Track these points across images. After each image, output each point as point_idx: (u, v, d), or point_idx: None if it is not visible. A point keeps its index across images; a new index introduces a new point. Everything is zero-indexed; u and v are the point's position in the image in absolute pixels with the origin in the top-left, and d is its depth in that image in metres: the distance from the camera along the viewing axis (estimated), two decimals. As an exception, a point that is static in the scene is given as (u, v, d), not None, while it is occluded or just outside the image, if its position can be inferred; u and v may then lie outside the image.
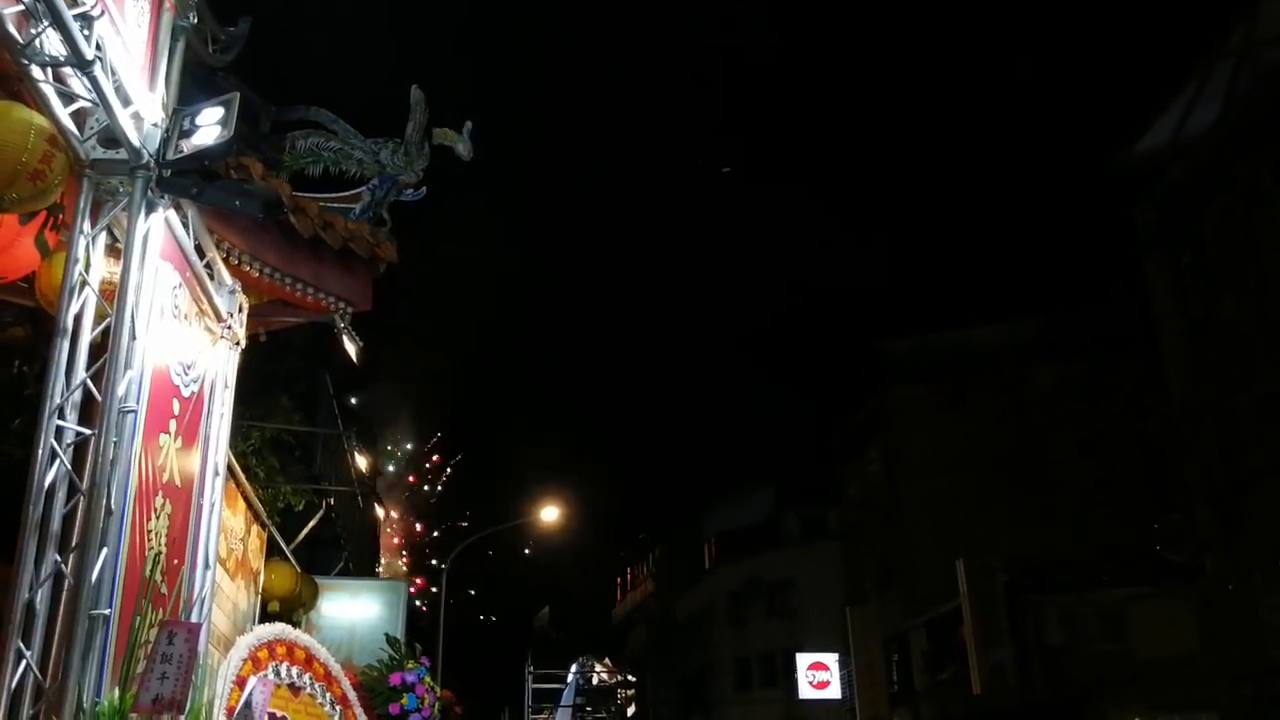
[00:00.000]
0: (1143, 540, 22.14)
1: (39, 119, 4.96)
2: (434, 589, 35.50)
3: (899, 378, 34.49)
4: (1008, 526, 28.38)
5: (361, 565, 25.95)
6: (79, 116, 5.32)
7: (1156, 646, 23.45)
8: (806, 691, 39.58)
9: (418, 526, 39.07)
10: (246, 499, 10.28)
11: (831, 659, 38.70)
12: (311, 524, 15.56)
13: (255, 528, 10.81)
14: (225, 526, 8.97)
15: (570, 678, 46.63)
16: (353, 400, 25.58)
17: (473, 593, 43.80)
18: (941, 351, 33.93)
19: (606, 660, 49.40)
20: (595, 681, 46.95)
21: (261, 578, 11.12)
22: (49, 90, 5.03)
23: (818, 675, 39.36)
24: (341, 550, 20.71)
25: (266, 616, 10.72)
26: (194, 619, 6.23)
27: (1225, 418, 20.46)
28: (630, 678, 49.94)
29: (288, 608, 11.93)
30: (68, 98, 5.18)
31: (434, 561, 37.61)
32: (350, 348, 8.05)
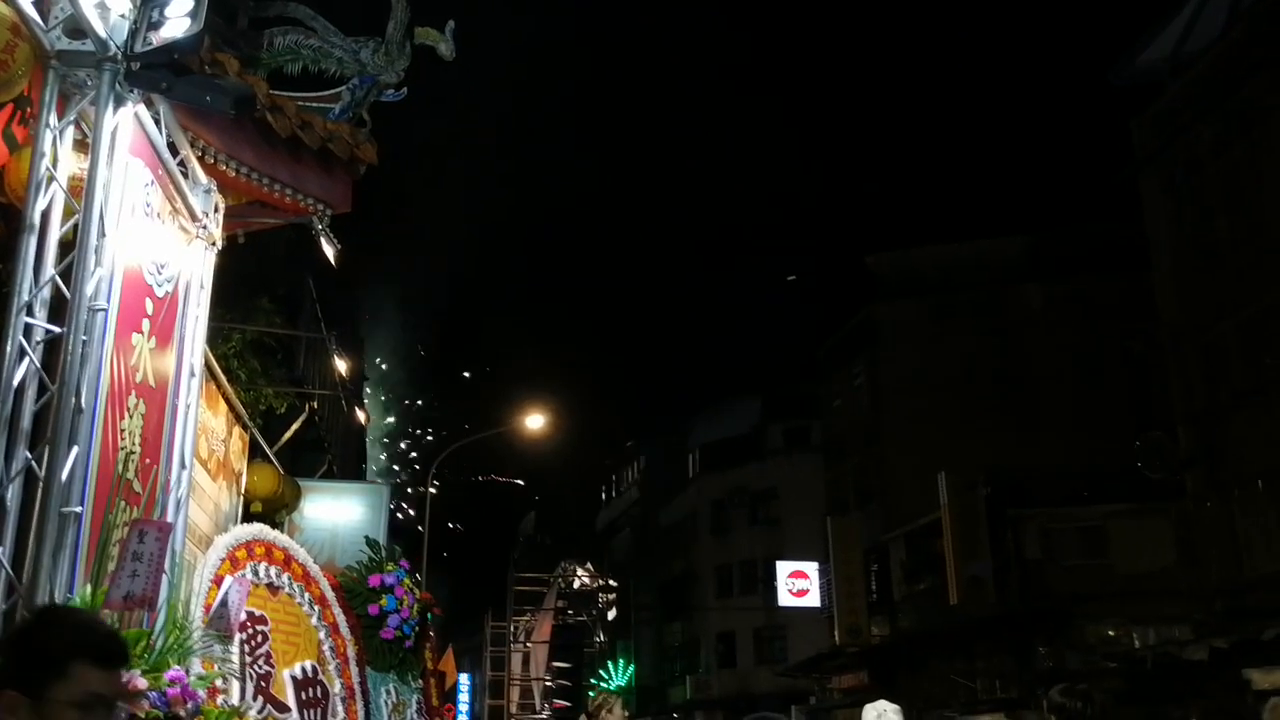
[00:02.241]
0: (1124, 458, 22.29)
1: (0, 6, 4.81)
2: (419, 488, 35.76)
3: (886, 292, 34.46)
4: (990, 442, 28.54)
5: (346, 468, 26.08)
6: (43, 5, 5.14)
7: (1134, 562, 23.76)
8: (786, 599, 40.15)
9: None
10: (228, 400, 10.24)
11: (811, 568, 39.18)
12: (295, 426, 15.54)
13: (237, 429, 10.78)
14: (206, 428, 8.95)
15: (552, 581, 47.31)
16: (336, 303, 25.45)
17: (458, 498, 44.12)
18: (929, 267, 33.87)
19: (589, 565, 50.02)
20: (577, 585, 47.59)
21: (244, 479, 11.14)
22: (10, -24, 4.86)
23: (797, 583, 39.88)
24: (325, 453, 20.77)
25: (249, 517, 10.74)
26: (169, 518, 6.22)
27: (1212, 338, 20.48)
28: (612, 583, 50.66)
29: (270, 509, 11.94)
30: (30, -16, 5.01)
31: (419, 466, 37.84)
32: (328, 250, 7.93)
